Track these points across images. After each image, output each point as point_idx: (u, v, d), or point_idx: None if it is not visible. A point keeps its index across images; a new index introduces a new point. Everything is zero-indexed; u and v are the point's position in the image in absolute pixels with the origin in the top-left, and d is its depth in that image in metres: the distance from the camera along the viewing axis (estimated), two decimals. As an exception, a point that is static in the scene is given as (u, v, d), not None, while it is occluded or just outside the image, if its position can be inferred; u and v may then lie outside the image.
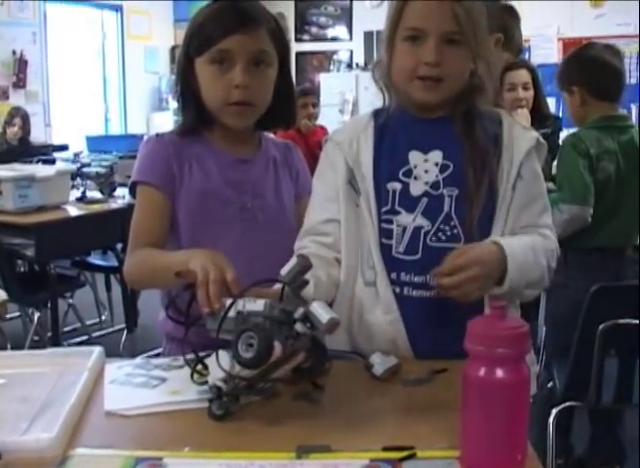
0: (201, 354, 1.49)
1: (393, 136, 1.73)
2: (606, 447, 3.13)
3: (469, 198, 1.64)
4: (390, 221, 1.68)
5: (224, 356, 1.37)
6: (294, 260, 1.44)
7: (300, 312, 1.37)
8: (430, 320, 1.66)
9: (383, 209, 1.69)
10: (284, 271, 1.43)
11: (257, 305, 1.40)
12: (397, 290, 1.68)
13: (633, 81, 9.31)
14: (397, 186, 1.68)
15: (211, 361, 1.41)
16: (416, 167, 1.68)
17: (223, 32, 1.75)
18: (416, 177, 1.68)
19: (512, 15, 3.13)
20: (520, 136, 1.70)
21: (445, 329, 1.61)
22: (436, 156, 1.68)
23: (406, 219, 1.67)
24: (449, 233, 1.65)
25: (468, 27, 1.62)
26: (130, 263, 1.79)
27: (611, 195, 3.07)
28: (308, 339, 1.38)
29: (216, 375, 1.38)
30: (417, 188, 1.67)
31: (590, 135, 3.06)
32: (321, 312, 1.36)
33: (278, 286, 1.46)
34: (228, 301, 1.42)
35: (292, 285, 1.42)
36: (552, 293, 3.05)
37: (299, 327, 1.37)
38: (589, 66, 3.12)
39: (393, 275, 1.68)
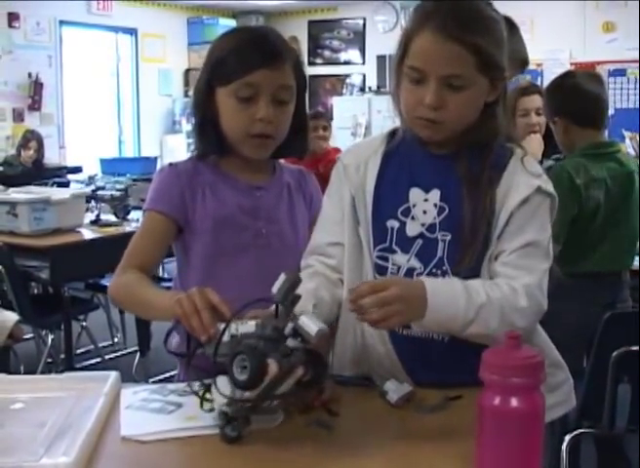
0: (208, 380, 1.50)
1: (398, 168, 1.70)
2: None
3: (463, 246, 1.60)
4: (386, 259, 1.66)
5: (224, 381, 1.38)
6: (282, 277, 1.43)
7: (289, 328, 1.39)
8: (421, 356, 1.64)
9: (381, 245, 1.66)
10: (275, 289, 1.43)
11: (249, 327, 1.42)
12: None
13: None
14: (395, 224, 1.66)
15: (213, 388, 1.41)
16: (414, 206, 1.65)
17: (251, 66, 1.75)
18: (413, 217, 1.65)
19: (509, 25, 3.15)
20: (520, 182, 1.61)
21: (436, 364, 1.60)
22: (436, 196, 1.64)
23: (401, 259, 1.65)
24: (440, 278, 1.61)
25: (475, 70, 1.56)
26: (117, 283, 1.81)
27: (600, 221, 3.06)
28: (302, 353, 1.38)
29: (220, 401, 1.39)
30: (413, 229, 1.64)
31: (576, 163, 3.05)
32: (309, 325, 1.38)
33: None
34: (221, 326, 1.43)
35: (284, 302, 1.43)
36: (548, 319, 3.05)
37: (290, 342, 1.38)
38: (568, 95, 3.13)
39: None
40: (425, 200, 1.64)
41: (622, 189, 3.09)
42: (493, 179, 1.62)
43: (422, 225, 1.64)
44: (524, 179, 1.62)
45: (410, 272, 1.64)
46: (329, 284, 1.70)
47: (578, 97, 3.10)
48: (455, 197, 1.62)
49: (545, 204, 1.63)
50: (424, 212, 1.64)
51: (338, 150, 5.47)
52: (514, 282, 1.56)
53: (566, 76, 3.27)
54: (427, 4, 1.61)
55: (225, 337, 1.41)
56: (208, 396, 1.45)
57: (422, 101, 1.58)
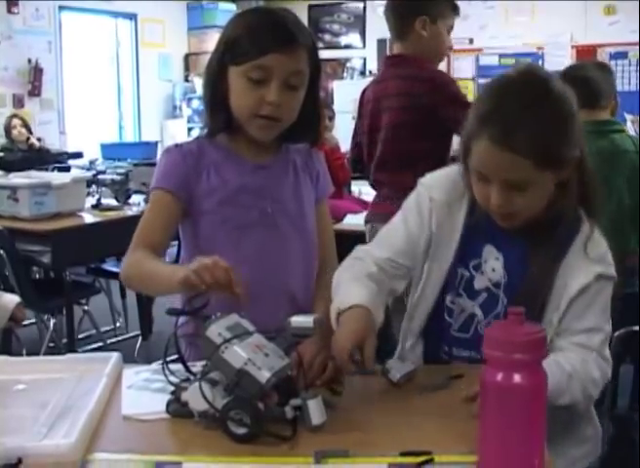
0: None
1: (477, 222, 1.71)
2: (623, 451, 3.12)
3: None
4: (453, 302, 1.74)
5: (206, 388, 1.36)
6: (310, 320, 1.46)
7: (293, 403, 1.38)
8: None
9: (452, 291, 1.74)
10: (296, 322, 1.45)
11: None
12: (445, 357, 1.76)
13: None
14: (466, 273, 1.72)
15: (191, 391, 1.39)
16: (486, 262, 1.71)
17: (264, 49, 1.73)
18: (482, 272, 1.71)
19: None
20: (581, 268, 1.64)
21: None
22: (505, 259, 1.69)
23: (466, 304, 1.73)
24: None
25: (534, 170, 1.54)
26: (127, 263, 1.78)
27: None
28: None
29: (197, 406, 1.38)
30: (480, 282, 1.72)
31: None
32: (304, 320, 1.44)
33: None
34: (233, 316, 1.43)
35: (287, 339, 1.45)
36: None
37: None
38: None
39: (446, 347, 1.76)
40: (496, 259, 1.70)
41: (611, 169, 3.07)
42: (558, 256, 1.65)
43: (489, 280, 1.71)
44: (585, 265, 1.64)
45: (472, 317, 1.73)
46: (385, 290, 1.71)
47: (566, 80, 3.13)
48: (519, 265, 1.68)
49: (606, 288, 1.66)
50: (493, 269, 1.70)
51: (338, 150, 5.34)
52: (587, 356, 1.61)
53: (568, 67, 3.35)
54: (483, 107, 1.60)
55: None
56: (184, 396, 1.41)
57: (491, 201, 1.60)
